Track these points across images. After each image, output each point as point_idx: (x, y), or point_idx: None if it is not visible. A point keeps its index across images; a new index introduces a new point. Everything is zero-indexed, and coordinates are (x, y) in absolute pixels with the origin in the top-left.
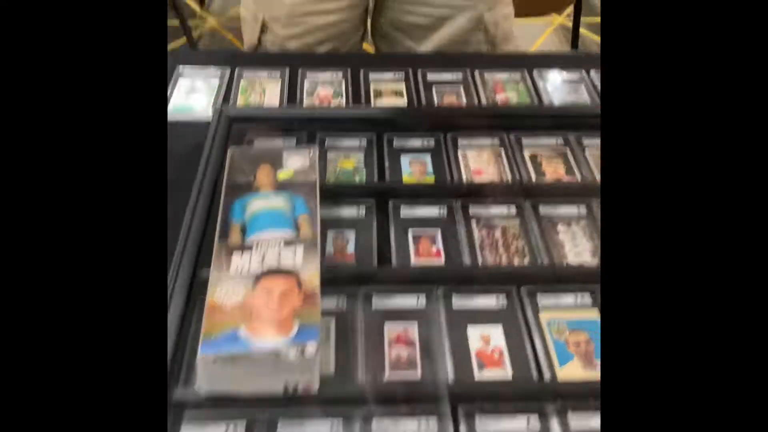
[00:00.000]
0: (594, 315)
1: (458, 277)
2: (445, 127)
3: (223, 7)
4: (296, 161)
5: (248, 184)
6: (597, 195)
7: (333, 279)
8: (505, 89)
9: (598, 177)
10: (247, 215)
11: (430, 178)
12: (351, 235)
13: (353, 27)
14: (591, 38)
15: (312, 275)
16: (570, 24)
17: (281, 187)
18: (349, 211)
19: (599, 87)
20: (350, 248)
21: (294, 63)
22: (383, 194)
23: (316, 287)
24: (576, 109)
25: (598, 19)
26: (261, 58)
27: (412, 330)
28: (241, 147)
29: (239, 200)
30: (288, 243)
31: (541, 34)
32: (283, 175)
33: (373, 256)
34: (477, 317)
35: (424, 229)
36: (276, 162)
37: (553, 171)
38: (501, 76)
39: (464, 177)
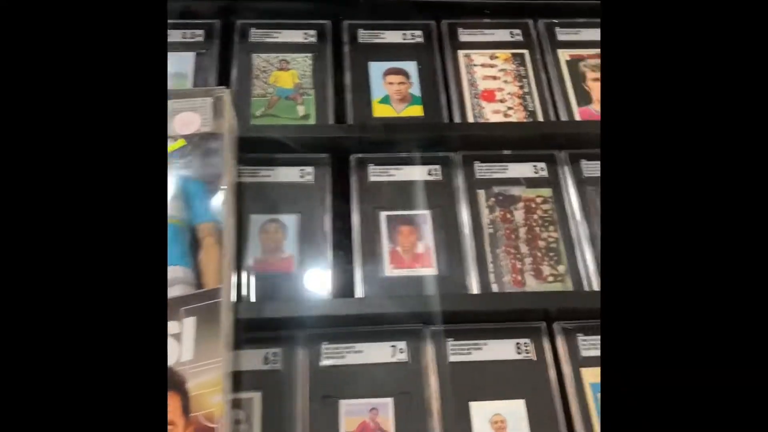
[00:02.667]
0: None
1: (454, 316)
2: (440, 7)
3: None
4: (191, 119)
5: None
6: None
7: (257, 321)
8: None
9: None
10: None
11: (416, 109)
12: (291, 222)
13: None
14: None
15: (212, 389)
16: None
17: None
18: (288, 175)
19: None
20: (288, 246)
21: None
22: (342, 146)
23: (217, 412)
24: None
25: None
26: None
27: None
28: None
29: None
30: (172, 311)
31: None
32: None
33: (327, 263)
34: None
35: (403, 213)
36: None
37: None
38: None
39: (468, 108)
